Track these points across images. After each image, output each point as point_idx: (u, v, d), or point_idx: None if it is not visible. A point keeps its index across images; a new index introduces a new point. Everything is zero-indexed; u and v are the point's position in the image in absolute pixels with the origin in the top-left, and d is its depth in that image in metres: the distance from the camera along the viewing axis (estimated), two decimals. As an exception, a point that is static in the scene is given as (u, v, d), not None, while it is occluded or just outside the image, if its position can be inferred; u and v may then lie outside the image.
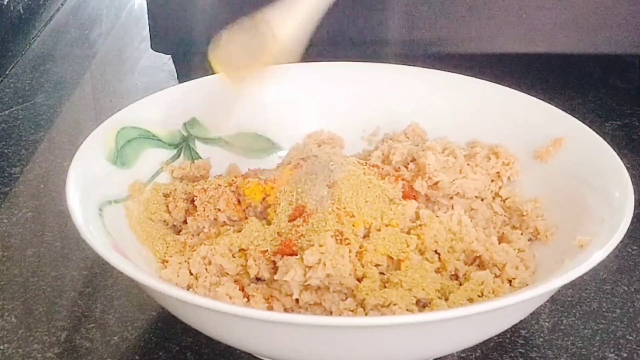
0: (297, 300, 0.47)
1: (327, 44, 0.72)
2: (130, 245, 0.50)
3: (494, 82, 0.60)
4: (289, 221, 0.50)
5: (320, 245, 0.47)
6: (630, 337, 0.50)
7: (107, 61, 0.87)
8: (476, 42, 0.72)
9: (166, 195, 0.55)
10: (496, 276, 0.50)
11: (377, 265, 0.48)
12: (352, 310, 0.47)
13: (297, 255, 0.48)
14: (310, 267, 0.46)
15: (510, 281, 0.50)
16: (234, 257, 0.50)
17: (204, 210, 0.53)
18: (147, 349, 0.49)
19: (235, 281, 0.49)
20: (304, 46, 0.51)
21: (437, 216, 0.51)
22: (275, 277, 0.48)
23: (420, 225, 0.50)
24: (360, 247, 0.48)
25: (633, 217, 0.46)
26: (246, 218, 0.53)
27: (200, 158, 0.59)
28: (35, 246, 0.58)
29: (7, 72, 0.82)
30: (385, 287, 0.47)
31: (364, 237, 0.49)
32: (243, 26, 0.51)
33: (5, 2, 0.83)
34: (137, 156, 0.55)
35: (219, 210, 0.53)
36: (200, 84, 0.60)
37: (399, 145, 0.58)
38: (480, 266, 0.51)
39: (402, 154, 0.57)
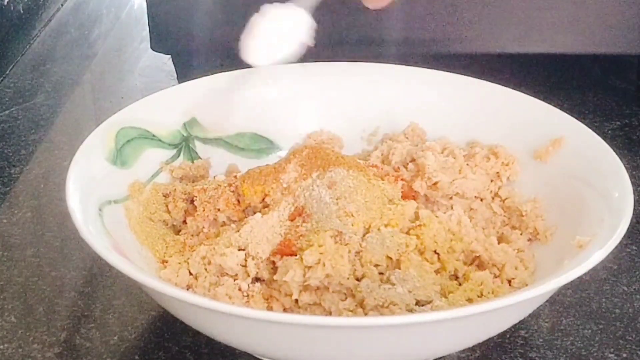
0: (296, 300, 0.47)
1: (327, 44, 0.72)
2: (130, 245, 0.50)
3: (494, 82, 0.60)
4: (289, 221, 0.50)
5: (320, 245, 0.47)
6: (630, 338, 0.50)
7: (107, 61, 0.87)
8: (476, 42, 0.72)
9: (166, 195, 0.55)
10: (496, 276, 0.50)
11: (376, 265, 0.48)
12: (351, 311, 0.46)
13: (296, 255, 0.48)
14: (309, 267, 0.46)
15: (509, 281, 0.50)
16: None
17: (204, 210, 0.53)
18: (147, 349, 0.49)
19: (235, 281, 0.49)
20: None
21: (436, 216, 0.51)
22: (275, 277, 0.48)
23: (419, 225, 0.50)
24: (359, 247, 0.48)
25: (633, 217, 0.46)
26: (246, 218, 0.53)
27: (200, 158, 0.59)
28: (35, 246, 0.58)
29: (7, 72, 0.82)
30: (384, 287, 0.47)
31: (363, 237, 0.49)
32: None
33: (6, 2, 0.83)
34: (136, 156, 0.55)
35: (219, 210, 0.53)
36: (200, 84, 0.60)
37: (398, 145, 0.58)
38: (479, 266, 0.51)
39: (401, 154, 0.57)
